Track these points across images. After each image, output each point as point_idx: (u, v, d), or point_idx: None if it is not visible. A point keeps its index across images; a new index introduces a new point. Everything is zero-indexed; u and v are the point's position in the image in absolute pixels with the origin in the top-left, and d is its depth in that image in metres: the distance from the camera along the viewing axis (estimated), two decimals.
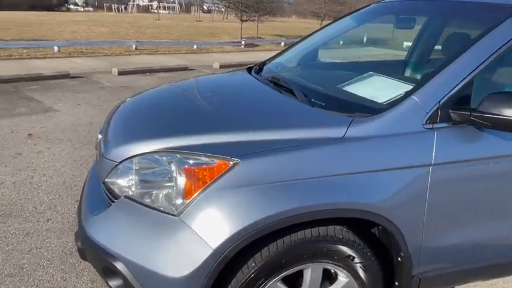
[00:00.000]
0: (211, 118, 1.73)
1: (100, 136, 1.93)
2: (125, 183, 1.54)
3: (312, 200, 1.34)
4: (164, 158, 1.47)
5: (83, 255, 1.64)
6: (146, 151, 1.52)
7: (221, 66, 10.12)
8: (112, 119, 1.93)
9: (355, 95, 1.77)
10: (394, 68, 2.86)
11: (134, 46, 12.77)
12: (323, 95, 1.80)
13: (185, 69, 9.42)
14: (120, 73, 8.28)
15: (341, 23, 2.77)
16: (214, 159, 1.38)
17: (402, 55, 3.08)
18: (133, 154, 1.54)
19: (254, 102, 1.90)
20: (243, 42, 16.00)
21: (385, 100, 1.66)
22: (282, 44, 17.68)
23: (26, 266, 2.23)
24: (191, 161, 1.41)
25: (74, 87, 6.84)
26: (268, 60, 2.77)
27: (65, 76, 7.57)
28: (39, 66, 8.60)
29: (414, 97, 1.51)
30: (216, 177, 1.35)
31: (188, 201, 1.36)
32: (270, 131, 1.49)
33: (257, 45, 16.76)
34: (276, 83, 2.05)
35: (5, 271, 2.16)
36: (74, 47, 11.84)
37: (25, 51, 10.62)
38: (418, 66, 2.62)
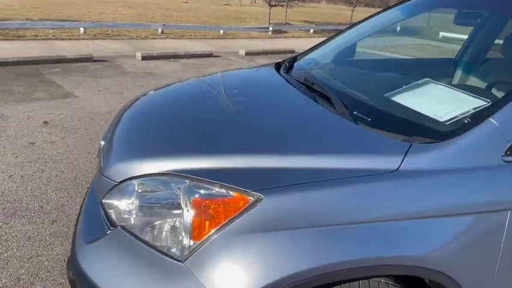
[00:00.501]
0: (232, 130, 1.43)
1: (102, 143, 1.68)
2: (124, 207, 1.27)
3: (354, 254, 1.04)
4: (173, 183, 1.20)
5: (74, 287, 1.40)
6: (152, 172, 1.25)
7: (247, 54, 9.78)
8: (118, 125, 1.66)
9: (409, 109, 1.44)
10: (445, 68, 2.48)
11: (160, 30, 12.54)
12: (369, 107, 1.48)
13: (210, 55, 9.13)
14: (144, 58, 8.08)
15: (386, 15, 2.39)
16: (230, 191, 1.09)
17: (442, 47, 2.70)
18: (135, 174, 1.27)
19: (283, 112, 1.59)
20: (270, 29, 15.52)
21: (449, 118, 1.32)
22: (311, 31, 17.12)
23: (23, 277, 2.02)
24: (202, 191, 1.13)
25: (96, 72, 6.67)
26: (299, 55, 2.43)
27: (88, 59, 7.42)
28: (64, 48, 8.49)
29: (493, 120, 1.16)
30: (232, 216, 1.06)
31: (197, 244, 1.08)
32: (302, 156, 1.18)
33: (285, 32, 16.26)
34: (309, 87, 1.73)
35: (0, 282, 1.97)
36: (100, 29, 11.71)
37: (51, 31, 10.56)
38: (481, 72, 2.23)
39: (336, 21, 24.45)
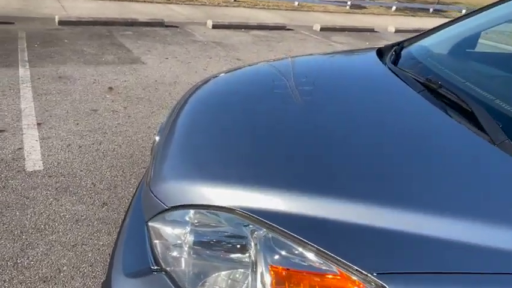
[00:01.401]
0: (330, 153, 1.02)
1: (156, 139, 1.35)
2: (173, 241, 0.94)
3: None
4: (245, 226, 0.84)
5: None
6: (217, 203, 0.90)
7: (322, 29, 9.11)
8: (179, 120, 1.31)
9: None
10: None
11: None
12: None
13: (282, 28, 8.60)
14: (214, 26, 7.78)
15: None
16: (332, 265, 0.70)
17: None
18: (194, 201, 0.93)
19: (401, 128, 1.13)
20: (348, 3, 14.46)
21: None
22: (393, 8, 15.76)
23: (64, 268, 1.83)
24: (284, 252, 0.75)
25: (166, 38, 6.49)
26: (406, 41, 1.92)
27: (160, 24, 7.27)
28: (138, 11, 8.43)
29: None
30: None
31: None
32: (445, 218, 0.75)
33: (364, 7, 15.09)
34: (435, 91, 1.25)
35: (40, 272, 1.79)
36: None
37: None
38: None
39: None
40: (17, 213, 2.12)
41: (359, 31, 9.70)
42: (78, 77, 4.22)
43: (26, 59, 4.58)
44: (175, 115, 1.37)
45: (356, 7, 14.65)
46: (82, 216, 2.18)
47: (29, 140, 2.87)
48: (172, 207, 0.95)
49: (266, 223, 0.80)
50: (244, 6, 11.45)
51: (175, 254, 0.93)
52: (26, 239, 1.96)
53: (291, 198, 0.84)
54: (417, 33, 2.01)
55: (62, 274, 1.80)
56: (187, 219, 0.93)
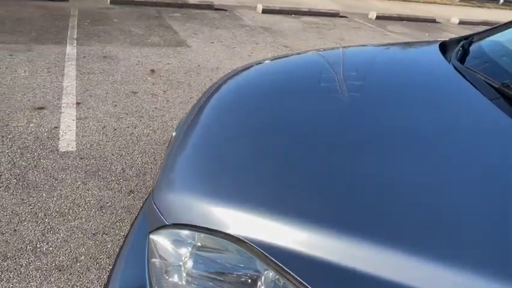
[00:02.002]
0: (379, 181, 0.81)
1: (174, 134, 1.20)
2: (172, 261, 0.80)
3: None
4: (258, 261, 0.67)
5: None
6: (222, 230, 0.73)
7: (378, 17, 8.60)
8: (200, 118, 1.14)
9: None
10: None
11: None
12: None
13: (335, 15, 8.20)
14: (264, 11, 7.56)
15: None
16: None
17: None
18: (199, 222, 0.77)
19: (469, 149, 0.88)
20: None
21: None
22: None
23: (82, 258, 1.77)
24: None
25: (214, 21, 6.37)
26: (476, 36, 1.63)
27: (209, 7, 7.16)
28: None
29: None
30: None
31: None
32: None
33: None
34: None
35: (57, 260, 1.73)
36: None
37: None
38: None
39: None
40: (44, 195, 2.09)
41: (418, 21, 9.06)
42: (122, 58, 4.21)
43: (75, 36, 4.64)
44: (198, 110, 1.20)
45: None
46: (107, 203, 2.11)
47: (66, 119, 2.86)
48: (172, 224, 0.80)
49: (279, 266, 0.62)
50: None
51: (171, 279, 0.78)
52: (49, 222, 1.92)
53: (319, 240, 0.65)
54: (485, 27, 1.71)
55: (78, 264, 1.74)
56: (190, 239, 0.77)
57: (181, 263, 0.77)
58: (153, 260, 0.82)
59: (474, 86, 1.11)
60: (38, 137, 2.58)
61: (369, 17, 8.70)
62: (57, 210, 2.01)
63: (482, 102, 1.03)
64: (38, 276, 1.64)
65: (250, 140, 0.97)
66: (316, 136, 0.95)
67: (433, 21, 9.33)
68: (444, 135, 0.92)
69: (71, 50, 4.21)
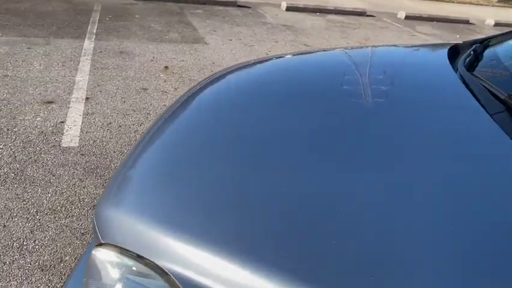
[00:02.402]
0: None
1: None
2: (104, 282, 0.72)
3: None
4: None
5: None
6: (150, 258, 0.65)
7: (407, 17, 8.29)
8: (179, 116, 1.06)
9: None
10: None
11: None
12: None
13: (362, 14, 7.97)
14: (288, 8, 7.43)
15: None
16: None
17: None
18: (128, 246, 0.69)
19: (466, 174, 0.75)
20: None
21: None
22: None
23: (66, 258, 1.73)
24: None
25: (235, 18, 6.30)
26: (493, 39, 1.47)
27: (232, 4, 7.10)
28: None
29: None
30: None
31: None
32: None
33: None
34: None
35: (42, 259, 1.70)
36: None
37: None
38: None
39: None
40: (39, 191, 2.08)
41: (450, 22, 8.67)
42: (138, 53, 4.20)
43: (94, 31, 4.68)
44: (167, 117, 1.12)
45: None
46: None
47: (73, 114, 2.85)
48: (105, 243, 0.72)
49: None
50: None
51: None
52: (39, 219, 1.90)
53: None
54: None
55: (62, 264, 1.70)
56: (121, 262, 0.69)
57: (111, 285, 0.70)
58: (87, 279, 0.75)
59: (476, 97, 0.98)
60: (42, 131, 2.58)
61: (398, 16, 8.40)
62: (50, 207, 1.98)
63: (480, 116, 0.89)
64: (19, 275, 1.62)
65: (211, 162, 0.86)
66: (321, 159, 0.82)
67: (466, 22, 8.92)
68: (430, 156, 0.80)
69: (88, 44, 4.24)
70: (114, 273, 0.70)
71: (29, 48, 3.91)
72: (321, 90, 1.10)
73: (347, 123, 0.93)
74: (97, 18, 5.22)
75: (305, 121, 0.93)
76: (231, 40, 5.14)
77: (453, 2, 12.36)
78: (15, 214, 1.91)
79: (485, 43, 1.43)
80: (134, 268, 0.68)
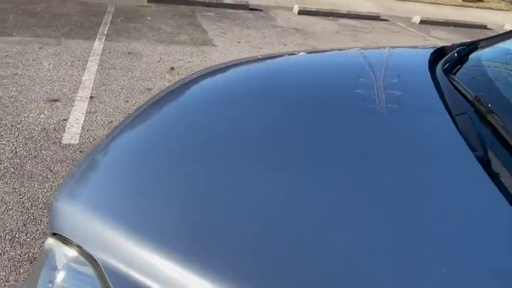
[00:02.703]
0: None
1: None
2: (50, 270, 0.75)
3: None
4: None
5: None
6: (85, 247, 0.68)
7: (422, 22, 8.19)
8: (142, 119, 1.08)
9: None
10: None
11: None
12: None
13: (375, 18, 7.90)
14: (300, 12, 7.43)
15: None
16: None
17: None
18: (69, 234, 0.72)
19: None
20: None
21: None
22: None
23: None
24: None
25: (246, 21, 6.33)
26: (483, 42, 1.45)
27: (244, 7, 7.14)
28: None
29: None
30: None
31: None
32: None
33: (481, 1, 13.30)
34: (483, 116, 0.85)
35: (31, 252, 1.75)
36: None
37: None
38: None
39: None
40: (36, 186, 2.13)
41: (467, 27, 8.52)
42: (146, 54, 4.27)
43: (105, 32, 4.78)
44: (148, 107, 1.14)
45: (471, 0, 12.97)
46: None
47: (77, 112, 2.92)
48: (55, 233, 0.75)
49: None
50: None
51: None
52: (33, 213, 1.95)
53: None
54: None
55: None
56: (66, 251, 0.72)
57: (56, 273, 0.72)
58: (40, 266, 0.77)
59: (446, 105, 0.96)
60: (44, 128, 2.65)
61: (413, 21, 8.30)
62: (45, 201, 2.04)
63: (441, 118, 0.88)
64: (8, 266, 1.66)
65: (164, 161, 0.86)
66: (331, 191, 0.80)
67: (484, 27, 8.75)
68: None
69: (98, 45, 4.33)
70: (59, 262, 0.72)
71: (40, 48, 4.02)
72: (286, 92, 1.10)
73: (290, 123, 0.93)
74: (109, 19, 5.33)
75: (264, 120, 0.94)
76: (239, 43, 5.17)
77: (472, 7, 12.14)
78: (10, 207, 1.96)
79: (471, 46, 1.41)
80: (74, 256, 0.70)
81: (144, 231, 0.67)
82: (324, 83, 1.14)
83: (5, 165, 2.26)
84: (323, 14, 7.60)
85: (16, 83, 3.21)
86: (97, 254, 0.66)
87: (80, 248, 0.69)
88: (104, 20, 5.25)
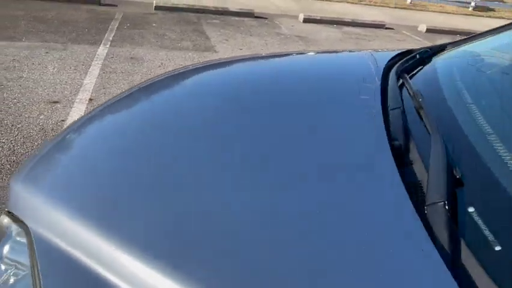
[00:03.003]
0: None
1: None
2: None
3: None
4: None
5: None
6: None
7: (428, 30, 8.21)
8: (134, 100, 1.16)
9: None
10: None
11: None
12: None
13: (380, 26, 7.95)
14: (305, 20, 7.52)
15: None
16: None
17: None
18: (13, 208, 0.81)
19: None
20: (472, 4, 12.81)
21: None
22: None
23: None
24: None
25: (250, 29, 6.45)
26: (450, 44, 1.51)
27: (249, 15, 7.27)
28: (235, 0, 8.56)
29: None
30: None
31: None
32: None
33: (492, 10, 13.23)
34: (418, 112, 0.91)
35: None
36: None
37: None
38: None
39: None
40: None
41: None
42: (147, 59, 4.40)
43: (111, 38, 4.93)
44: (122, 97, 1.22)
45: (481, 9, 12.91)
46: None
47: (75, 113, 3.04)
48: (8, 210, 0.83)
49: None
50: (347, 2, 10.89)
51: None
52: None
53: None
54: None
55: None
56: (13, 227, 0.80)
57: (4, 247, 0.80)
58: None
59: (384, 102, 1.02)
60: (43, 128, 2.78)
61: (419, 29, 8.32)
62: None
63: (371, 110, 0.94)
64: None
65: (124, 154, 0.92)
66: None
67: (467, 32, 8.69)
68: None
69: (102, 50, 4.48)
70: (7, 237, 0.80)
71: (47, 52, 4.18)
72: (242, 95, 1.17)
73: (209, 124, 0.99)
74: (116, 26, 5.50)
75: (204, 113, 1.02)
76: (241, 49, 5.28)
77: (483, 17, 12.09)
78: (2, 201, 2.07)
79: (432, 50, 1.47)
80: (18, 231, 0.78)
81: (88, 213, 0.74)
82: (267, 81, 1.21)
83: (2, 161, 2.37)
84: (327, 22, 7.68)
85: (20, 86, 3.36)
86: (33, 226, 0.74)
87: (22, 223, 0.77)
88: (110, 27, 5.43)
